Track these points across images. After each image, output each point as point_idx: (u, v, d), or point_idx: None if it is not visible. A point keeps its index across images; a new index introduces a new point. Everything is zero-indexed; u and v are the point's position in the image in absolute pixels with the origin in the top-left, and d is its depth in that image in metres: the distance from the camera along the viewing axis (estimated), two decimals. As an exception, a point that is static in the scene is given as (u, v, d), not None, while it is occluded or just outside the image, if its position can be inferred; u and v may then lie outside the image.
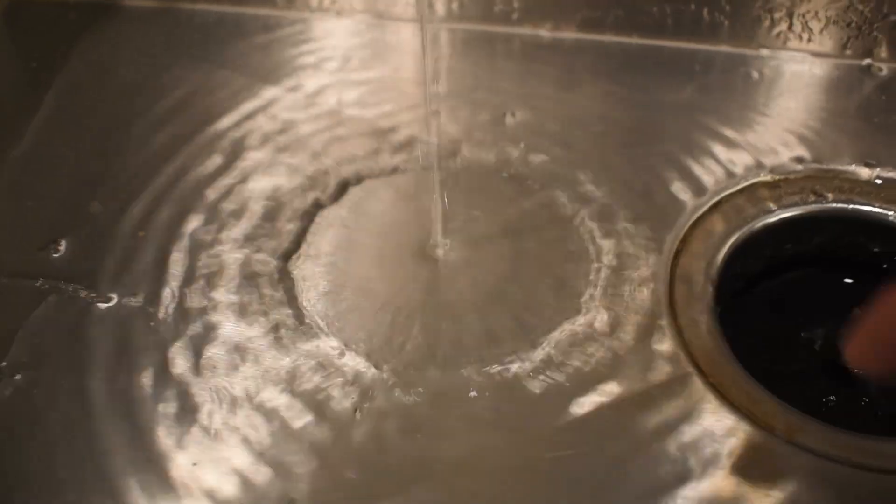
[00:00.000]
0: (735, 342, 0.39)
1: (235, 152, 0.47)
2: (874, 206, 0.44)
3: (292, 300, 0.40)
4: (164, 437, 0.36)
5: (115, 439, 0.36)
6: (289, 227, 0.44)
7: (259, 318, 0.40)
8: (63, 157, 0.48)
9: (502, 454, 0.35)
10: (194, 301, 0.40)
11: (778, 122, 0.49)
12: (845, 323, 0.32)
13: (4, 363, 0.38)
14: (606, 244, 0.42)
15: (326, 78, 0.52)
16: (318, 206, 0.45)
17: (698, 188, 0.45)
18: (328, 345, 0.39)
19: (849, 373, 0.39)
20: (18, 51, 0.52)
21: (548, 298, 0.40)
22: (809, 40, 0.52)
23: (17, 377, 0.38)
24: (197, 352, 0.38)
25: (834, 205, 0.44)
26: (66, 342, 0.39)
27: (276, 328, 0.39)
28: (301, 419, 0.36)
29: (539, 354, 0.38)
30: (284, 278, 0.41)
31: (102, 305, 0.40)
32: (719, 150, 0.47)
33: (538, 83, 0.52)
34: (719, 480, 0.34)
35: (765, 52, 0.53)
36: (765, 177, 0.45)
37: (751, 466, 0.34)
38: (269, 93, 0.51)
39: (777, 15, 0.52)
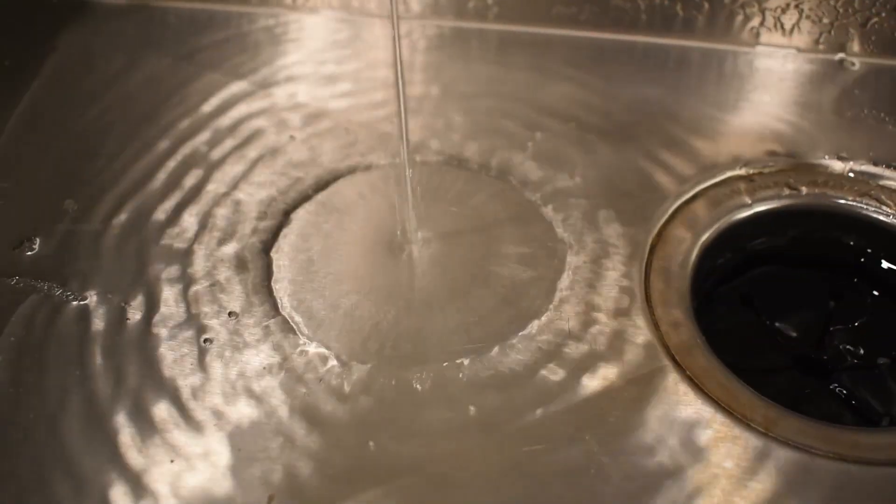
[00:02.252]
0: (711, 335, 0.39)
1: (209, 149, 0.47)
2: (848, 200, 0.44)
3: (268, 297, 0.40)
4: (141, 434, 0.35)
5: (91, 437, 0.35)
6: (263, 224, 0.43)
7: (234, 315, 0.40)
8: (37, 155, 0.48)
9: (478, 449, 0.35)
10: (170, 298, 0.40)
11: (752, 117, 0.49)
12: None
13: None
14: (582, 238, 0.42)
15: (299, 74, 0.52)
16: (291, 203, 0.44)
17: (674, 182, 0.45)
18: (304, 341, 0.39)
19: (824, 364, 0.40)
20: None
21: (523, 293, 0.40)
22: (783, 35, 0.52)
23: (-8, 377, 0.37)
24: (174, 348, 0.38)
25: (808, 198, 0.44)
26: (41, 340, 0.39)
27: (251, 325, 0.39)
28: (277, 416, 0.36)
29: (514, 349, 0.38)
30: (260, 275, 0.41)
31: (77, 304, 0.40)
32: (694, 144, 0.47)
33: (512, 79, 0.52)
34: (697, 473, 0.34)
35: (738, 47, 0.53)
36: (740, 171, 0.45)
37: (728, 459, 0.35)
38: (243, 89, 0.51)
39: (750, 10, 0.52)
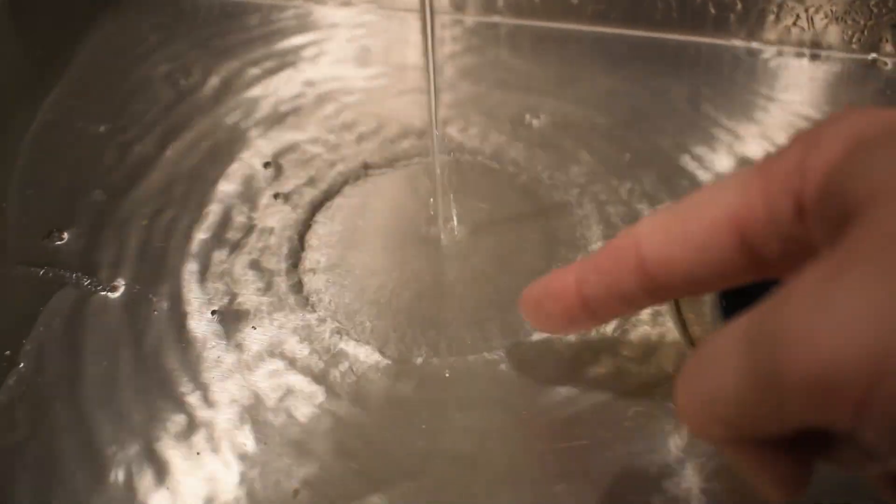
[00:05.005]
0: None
1: (239, 141, 0.47)
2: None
3: (298, 291, 0.40)
4: (168, 424, 0.36)
5: (118, 426, 0.36)
6: (294, 215, 0.44)
7: (262, 307, 0.40)
8: (67, 144, 0.48)
9: (503, 444, 0.35)
10: (197, 289, 0.40)
11: (783, 116, 0.49)
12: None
13: (8, 352, 0.38)
14: (611, 235, 0.42)
15: (329, 67, 0.52)
16: (322, 196, 0.45)
17: (703, 180, 0.45)
18: (335, 332, 0.39)
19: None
20: (23, 40, 0.52)
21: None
22: (815, 34, 0.52)
23: (21, 366, 0.38)
24: (200, 339, 0.38)
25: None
26: (70, 330, 0.39)
27: (280, 317, 0.39)
28: (307, 407, 0.36)
29: (541, 346, 0.38)
30: (290, 265, 0.41)
31: (106, 294, 0.40)
32: (724, 143, 0.47)
33: (544, 75, 0.52)
34: (721, 473, 0.34)
35: (770, 45, 0.53)
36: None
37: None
38: (273, 82, 0.51)
39: (783, 9, 0.52)
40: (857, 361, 0.18)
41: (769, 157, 0.25)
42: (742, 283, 0.28)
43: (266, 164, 0.46)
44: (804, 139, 0.24)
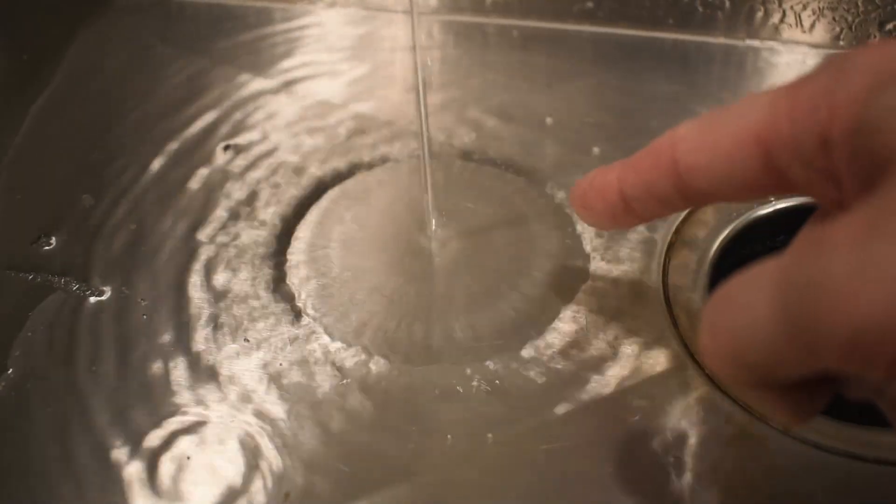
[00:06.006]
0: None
1: (227, 144, 0.47)
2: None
3: (286, 292, 0.40)
4: (157, 429, 0.35)
5: (108, 432, 0.35)
6: (281, 218, 0.43)
7: (251, 310, 0.40)
8: (55, 149, 0.48)
9: (497, 447, 0.35)
10: (187, 294, 0.40)
11: (772, 114, 0.49)
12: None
13: (-4, 357, 0.38)
14: (600, 235, 0.42)
15: (317, 69, 0.52)
16: (309, 198, 0.44)
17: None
18: (323, 336, 0.39)
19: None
20: (10, 45, 0.52)
21: (541, 291, 0.40)
22: (803, 31, 0.52)
23: (10, 371, 0.37)
24: (190, 344, 0.38)
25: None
26: (58, 335, 0.39)
27: (269, 322, 0.39)
28: (297, 410, 0.36)
29: (532, 347, 0.38)
30: (278, 268, 0.41)
31: (94, 299, 0.40)
32: (713, 141, 0.47)
33: (531, 74, 0.52)
34: (715, 472, 0.34)
35: (758, 42, 0.53)
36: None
37: (747, 458, 0.34)
38: (261, 84, 0.51)
39: (770, 6, 0.52)
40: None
41: (798, 81, 0.25)
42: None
43: (253, 166, 0.46)
44: (832, 68, 0.24)
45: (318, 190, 0.45)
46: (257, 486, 0.34)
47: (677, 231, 0.42)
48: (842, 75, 0.23)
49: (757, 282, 0.22)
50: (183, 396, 0.37)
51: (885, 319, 0.18)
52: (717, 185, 0.27)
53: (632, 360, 0.37)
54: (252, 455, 0.35)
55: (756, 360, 0.22)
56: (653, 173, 0.29)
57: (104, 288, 0.41)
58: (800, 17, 0.52)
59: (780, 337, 0.21)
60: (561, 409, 0.36)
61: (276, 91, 0.51)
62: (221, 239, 0.42)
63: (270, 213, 0.44)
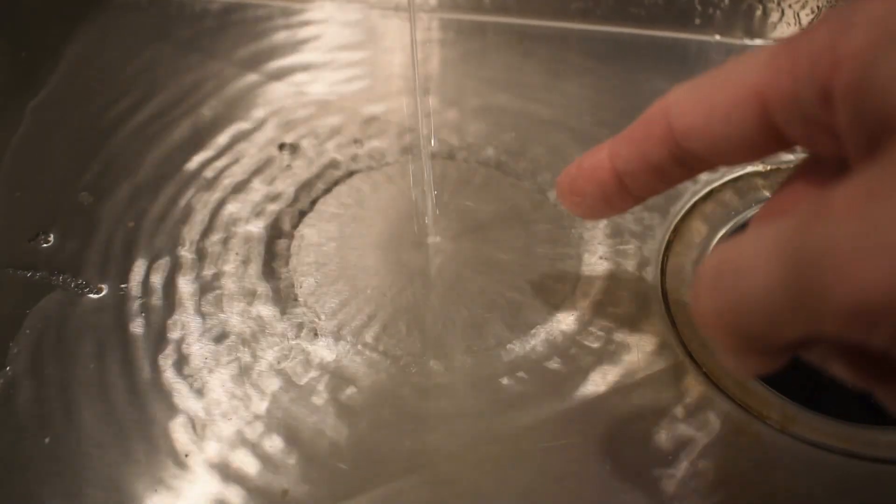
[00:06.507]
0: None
1: (225, 142, 0.47)
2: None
3: (286, 290, 0.40)
4: (156, 426, 0.35)
5: (107, 430, 0.35)
6: (280, 216, 0.43)
7: (249, 308, 0.40)
8: (53, 147, 0.48)
9: (495, 445, 0.35)
10: (186, 293, 0.40)
11: (770, 112, 0.49)
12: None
13: (-6, 355, 0.38)
14: (598, 233, 0.42)
15: (316, 67, 0.52)
16: (309, 197, 0.44)
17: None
18: (321, 334, 0.39)
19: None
20: (8, 42, 0.52)
21: (539, 288, 0.40)
22: (801, 30, 0.52)
23: (8, 369, 0.37)
24: (189, 343, 0.38)
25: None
26: (58, 333, 0.39)
27: (268, 321, 0.39)
28: (296, 408, 0.36)
29: (530, 344, 0.38)
30: (277, 268, 0.41)
31: (94, 296, 0.40)
32: (712, 140, 0.47)
33: (530, 73, 0.52)
34: (712, 470, 0.34)
35: (757, 41, 0.53)
36: (757, 166, 0.45)
37: (744, 456, 0.34)
38: (259, 82, 0.51)
39: (769, 5, 0.52)
40: None
41: (798, 35, 0.24)
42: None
43: (252, 165, 0.46)
44: (834, 21, 0.23)
45: (318, 189, 0.45)
46: (255, 483, 0.34)
47: (676, 231, 0.42)
48: (845, 28, 0.22)
49: (759, 247, 0.21)
50: (182, 394, 0.37)
51: (889, 288, 0.18)
52: (713, 147, 0.27)
53: (630, 360, 0.38)
54: (250, 451, 0.35)
55: (753, 324, 0.22)
56: (647, 143, 0.29)
57: (102, 285, 0.41)
58: (798, 15, 0.52)
59: (782, 303, 0.20)
60: (558, 407, 0.36)
61: (275, 89, 0.51)
62: (220, 237, 0.42)
63: (269, 211, 0.44)
